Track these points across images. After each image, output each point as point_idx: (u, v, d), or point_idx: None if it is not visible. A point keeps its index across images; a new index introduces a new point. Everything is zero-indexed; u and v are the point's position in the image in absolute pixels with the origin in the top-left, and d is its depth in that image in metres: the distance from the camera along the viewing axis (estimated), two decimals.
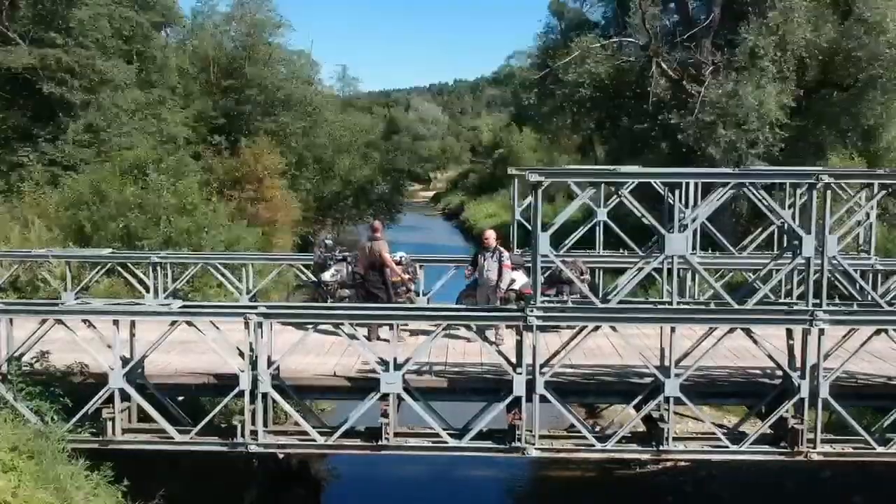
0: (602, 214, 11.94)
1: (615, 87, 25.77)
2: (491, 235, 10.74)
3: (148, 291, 12.27)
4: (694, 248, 12.56)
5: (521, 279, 11.14)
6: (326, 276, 11.46)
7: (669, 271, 9.33)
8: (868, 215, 11.98)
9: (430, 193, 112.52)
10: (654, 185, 11.34)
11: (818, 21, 23.39)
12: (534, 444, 7.93)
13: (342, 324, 8.43)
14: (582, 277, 11.18)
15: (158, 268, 12.35)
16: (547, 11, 33.34)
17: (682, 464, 14.08)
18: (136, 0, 30.84)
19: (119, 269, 12.72)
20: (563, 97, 26.02)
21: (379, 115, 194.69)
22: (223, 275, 12.77)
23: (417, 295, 12.07)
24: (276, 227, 24.71)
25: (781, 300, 10.56)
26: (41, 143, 25.44)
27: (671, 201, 9.70)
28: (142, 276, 12.58)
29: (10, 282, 12.80)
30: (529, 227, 8.86)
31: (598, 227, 12.12)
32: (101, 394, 8.02)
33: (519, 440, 7.91)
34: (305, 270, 12.62)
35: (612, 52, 25.12)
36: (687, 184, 10.87)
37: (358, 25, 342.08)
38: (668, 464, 14.08)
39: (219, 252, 14.38)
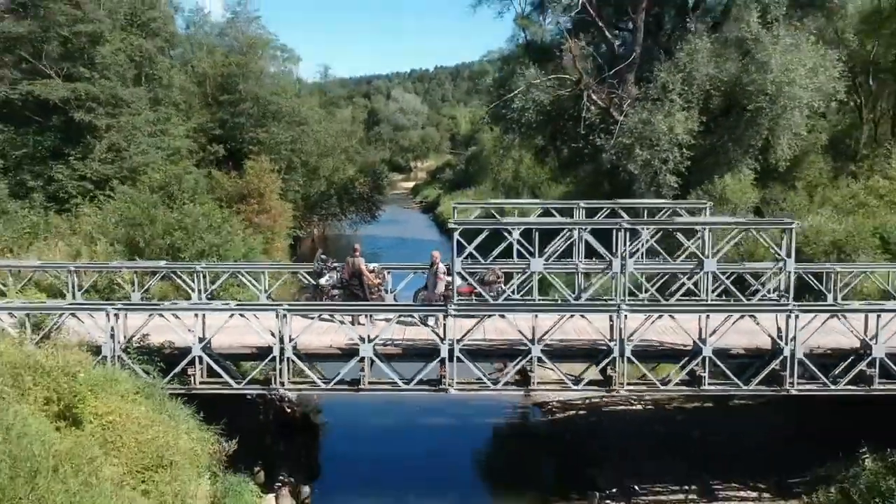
0: (515, 234, 17.01)
1: (556, 112, 30.81)
2: (436, 256, 15.76)
3: (193, 292, 17.17)
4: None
5: (458, 281, 16.15)
6: (322, 280, 16.47)
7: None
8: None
9: (411, 184, 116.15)
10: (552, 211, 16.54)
11: (720, 59, 28.54)
12: (453, 386, 13.05)
13: (336, 316, 13.50)
14: (498, 279, 16.26)
15: (199, 275, 17.25)
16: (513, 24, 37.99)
17: (582, 412, 19.38)
18: (144, 28, 35.38)
19: (171, 275, 17.61)
20: (513, 120, 31.04)
21: (360, 105, 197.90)
22: (246, 279, 17.72)
23: (387, 293, 17.09)
24: (275, 232, 29.63)
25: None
26: (72, 160, 29.93)
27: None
28: (187, 279, 17.45)
29: (91, 286, 17.64)
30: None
31: (514, 244, 17.16)
32: (187, 359, 13.01)
33: (443, 384, 13.03)
34: (307, 276, 17.59)
35: (552, 84, 30.05)
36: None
37: (339, 10, 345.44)
38: (571, 413, 19.37)
39: (243, 262, 19.31)
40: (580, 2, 28.43)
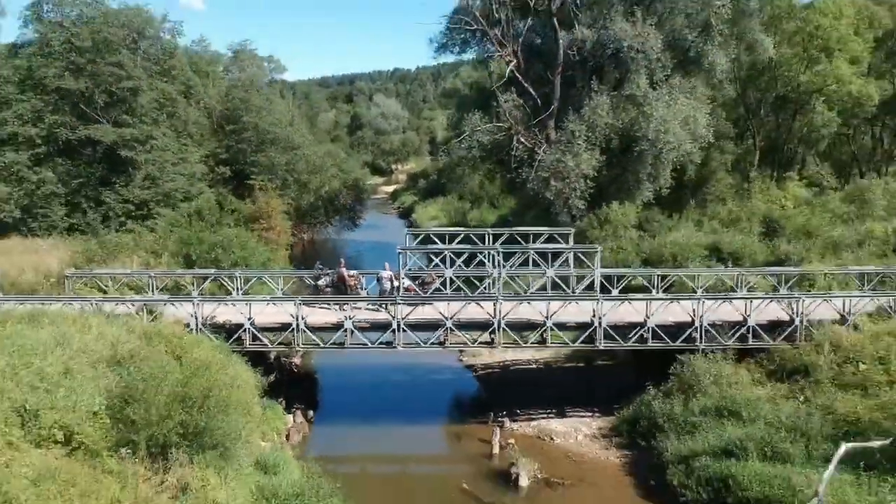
0: (448, 252, 25.93)
1: (495, 149, 39.78)
2: (386, 266, 24.70)
3: (233, 290, 25.87)
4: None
5: (406, 282, 25.07)
6: (320, 282, 25.33)
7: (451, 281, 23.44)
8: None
9: (391, 188, 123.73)
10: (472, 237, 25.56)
11: (618, 111, 37.53)
12: (399, 345, 22.01)
13: (332, 303, 22.46)
14: (434, 280, 25.14)
15: (237, 279, 25.98)
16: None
17: (496, 371, 28.36)
18: (166, 75, 43.93)
19: (218, 279, 26.35)
20: (463, 155, 40.05)
21: (343, 111, 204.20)
22: (269, 282, 26.52)
23: (362, 289, 25.96)
24: (279, 243, 38.48)
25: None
26: (117, 187, 38.51)
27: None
28: (227, 282, 26.15)
29: (164, 286, 26.31)
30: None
31: (447, 257, 26.09)
32: (241, 330, 21.86)
33: (394, 345, 21.99)
34: (310, 279, 26.41)
35: (492, 129, 38.98)
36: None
37: (323, 8, 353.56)
38: (489, 371, 28.34)
39: (267, 270, 28.15)
40: (510, 67, 37.53)
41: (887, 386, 19.19)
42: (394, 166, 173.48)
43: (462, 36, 41.63)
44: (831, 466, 14.43)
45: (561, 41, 37.62)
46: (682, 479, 18.19)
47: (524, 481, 19.36)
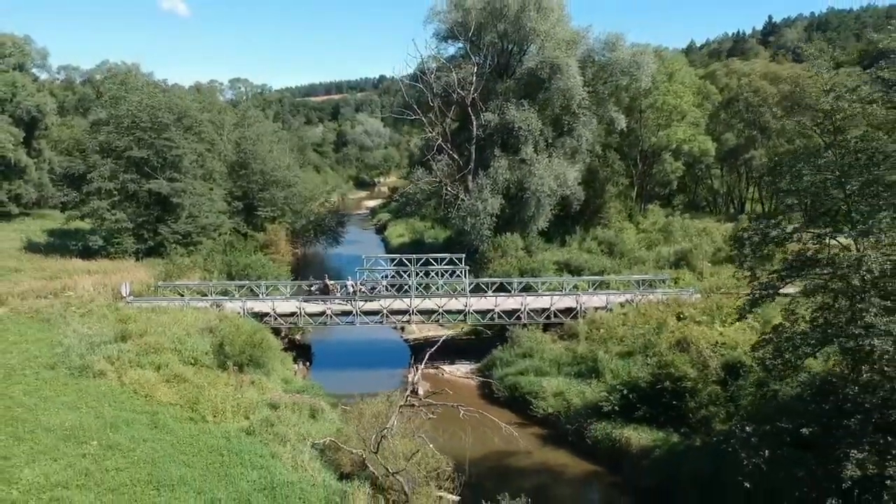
0: (390, 268, 43.48)
1: (433, 194, 57.41)
2: (349, 278, 42.35)
3: (259, 293, 43.20)
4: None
5: (362, 287, 42.56)
6: (313, 288, 42.80)
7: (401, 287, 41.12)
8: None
9: (373, 203, 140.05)
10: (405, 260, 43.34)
11: (513, 169, 55.17)
12: (358, 323, 39.60)
13: (320, 300, 40.14)
14: (377, 286, 42.71)
15: (262, 286, 43.34)
16: None
17: (431, 343, 46.16)
18: (198, 136, 61.38)
19: (251, 286, 43.70)
20: (410, 198, 57.72)
21: (330, 128, 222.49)
22: (280, 288, 43.91)
23: (338, 292, 43.40)
24: (283, 262, 56.06)
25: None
26: (169, 223, 55.93)
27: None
28: (255, 288, 43.45)
29: (219, 291, 43.56)
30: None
31: (387, 273, 43.61)
32: (267, 316, 39.38)
33: (355, 323, 39.60)
34: (306, 287, 43.86)
35: (429, 181, 56.57)
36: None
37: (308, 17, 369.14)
38: (415, 341, 46.11)
39: (279, 280, 45.63)
40: (438, 140, 55.27)
41: (606, 339, 36.91)
42: (377, 180, 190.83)
43: (407, 116, 59.36)
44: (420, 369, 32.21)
45: (474, 122, 55.38)
46: (497, 386, 35.91)
47: (421, 391, 36.99)
